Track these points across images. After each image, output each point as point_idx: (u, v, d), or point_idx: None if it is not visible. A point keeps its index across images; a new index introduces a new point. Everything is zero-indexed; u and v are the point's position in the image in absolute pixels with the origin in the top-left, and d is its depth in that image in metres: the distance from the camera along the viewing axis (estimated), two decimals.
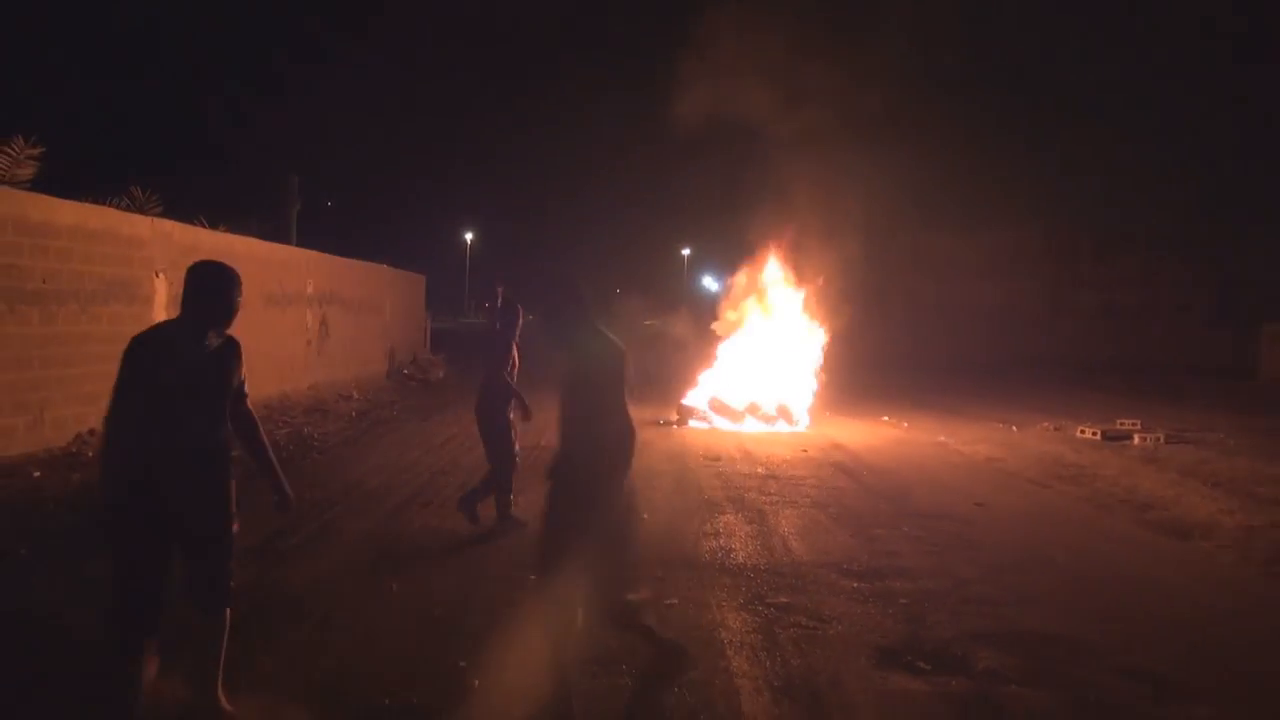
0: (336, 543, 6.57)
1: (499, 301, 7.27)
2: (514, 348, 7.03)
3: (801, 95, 16.40)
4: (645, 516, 7.37)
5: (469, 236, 80.00)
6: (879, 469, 10.46)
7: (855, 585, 5.81)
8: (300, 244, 38.13)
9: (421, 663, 4.37)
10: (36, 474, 8.11)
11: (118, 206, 11.73)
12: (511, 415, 7.05)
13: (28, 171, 10.26)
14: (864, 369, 27.36)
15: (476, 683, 4.14)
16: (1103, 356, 33.15)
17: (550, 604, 3.88)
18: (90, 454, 9.09)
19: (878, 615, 5.26)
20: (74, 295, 9.61)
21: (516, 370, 7.09)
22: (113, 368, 3.51)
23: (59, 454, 8.94)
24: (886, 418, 15.42)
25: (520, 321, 7.00)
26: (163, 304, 11.34)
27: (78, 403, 9.66)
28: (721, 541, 6.88)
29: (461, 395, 16.88)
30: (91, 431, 9.65)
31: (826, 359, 15.76)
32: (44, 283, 9.14)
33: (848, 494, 8.89)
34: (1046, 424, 15.18)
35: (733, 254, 20.04)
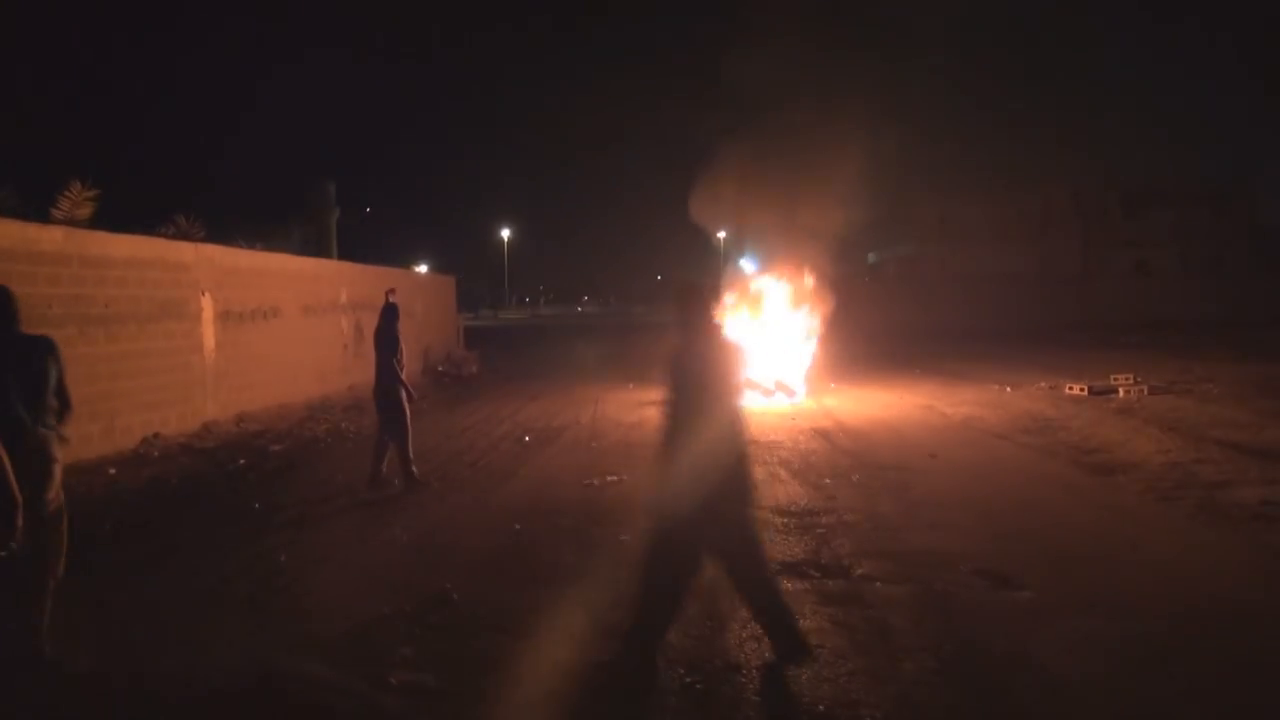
0: (358, 509, 7.97)
1: (386, 304, 9.02)
2: (399, 341, 8.75)
3: (826, 65, 17.57)
4: (624, 478, 8.71)
5: (506, 234, 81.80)
6: (855, 432, 11.63)
7: (784, 521, 7.05)
8: (341, 250, 39.91)
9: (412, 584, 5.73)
10: (112, 471, 9.68)
11: (165, 235, 13.33)
12: (403, 394, 8.70)
13: (86, 211, 11.89)
14: (887, 339, 28.33)
15: (455, 597, 5.46)
16: (1137, 316, 33.52)
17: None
18: (155, 454, 10.68)
19: (793, 542, 6.50)
20: (132, 317, 11.19)
21: (404, 359, 8.84)
22: (170, 379, 4.95)
23: (128, 455, 10.52)
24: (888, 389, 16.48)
25: (398, 321, 8.79)
26: (209, 320, 12.94)
27: (142, 410, 11.27)
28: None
29: (487, 389, 18.34)
30: (156, 435, 11.26)
31: (841, 333, 16.82)
32: (106, 307, 10.73)
33: (816, 454, 10.09)
34: (1043, 384, 16.13)
35: (765, 235, 21.28)
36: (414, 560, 6.31)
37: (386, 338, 8.80)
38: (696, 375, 4.46)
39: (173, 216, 14.47)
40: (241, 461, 10.27)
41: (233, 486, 9.03)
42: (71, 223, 11.56)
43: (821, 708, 3.91)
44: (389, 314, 8.86)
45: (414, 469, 8.72)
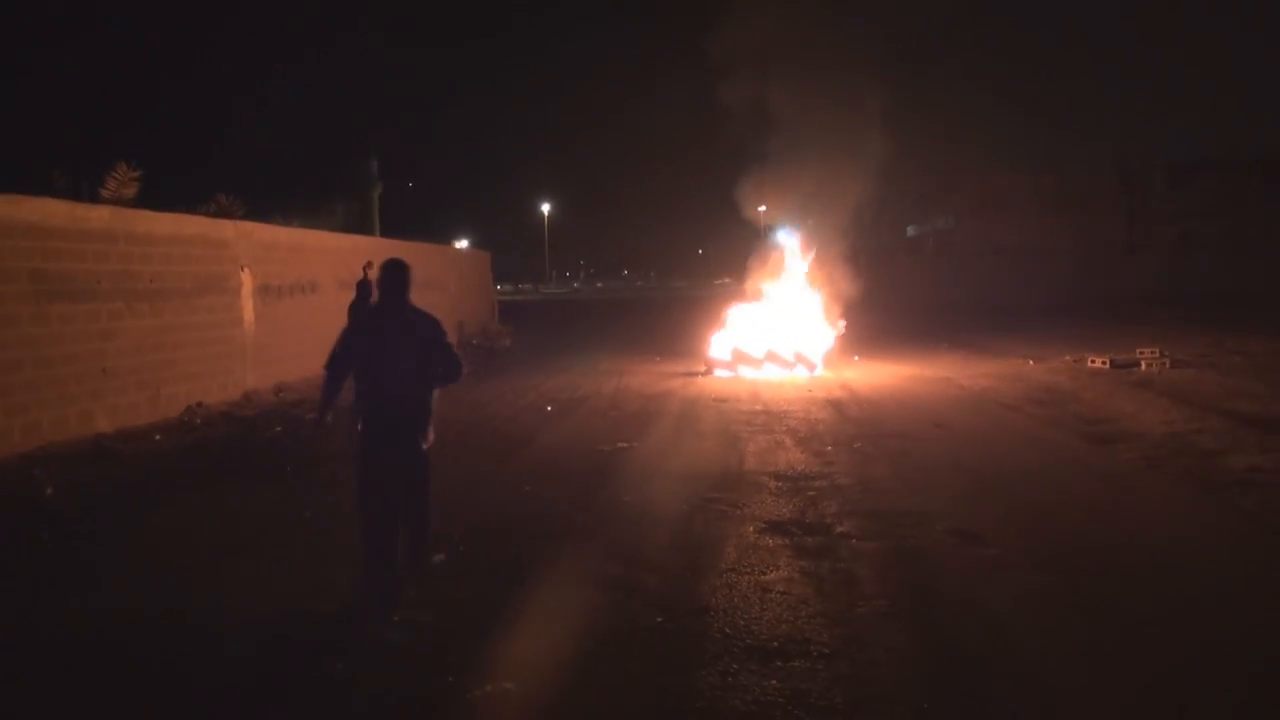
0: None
1: (362, 279, 9.32)
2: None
3: (868, 34, 17.80)
4: (635, 445, 9.16)
5: (546, 209, 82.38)
6: (867, 402, 11.96)
7: (778, 485, 7.46)
8: (383, 225, 40.66)
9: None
10: (158, 438, 10.37)
11: (206, 213, 13.98)
12: None
13: (131, 191, 12.57)
14: (921, 313, 28.39)
15: (462, 548, 5.96)
16: (1182, 290, 33.05)
17: None
18: (199, 422, 11.37)
19: (783, 503, 6.91)
20: (177, 291, 11.86)
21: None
22: (211, 351, 5.49)
23: (174, 422, 11.21)
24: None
25: (371, 298, 8.92)
26: (249, 294, 13.61)
27: (186, 380, 11.96)
28: (688, 460, 8.60)
29: (518, 362, 18.88)
30: (199, 404, 11.95)
31: (875, 306, 17.03)
32: (151, 283, 11.39)
33: (823, 423, 10.45)
34: (1068, 357, 16.24)
35: (804, 209, 21.62)
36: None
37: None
38: (390, 345, 4.95)
39: (214, 196, 15.10)
40: (278, 429, 10.88)
41: (269, 451, 9.65)
42: (118, 202, 12.24)
43: (775, 644, 4.33)
44: (363, 288, 9.28)
45: None
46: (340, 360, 5.06)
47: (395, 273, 5.02)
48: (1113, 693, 3.84)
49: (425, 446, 5.03)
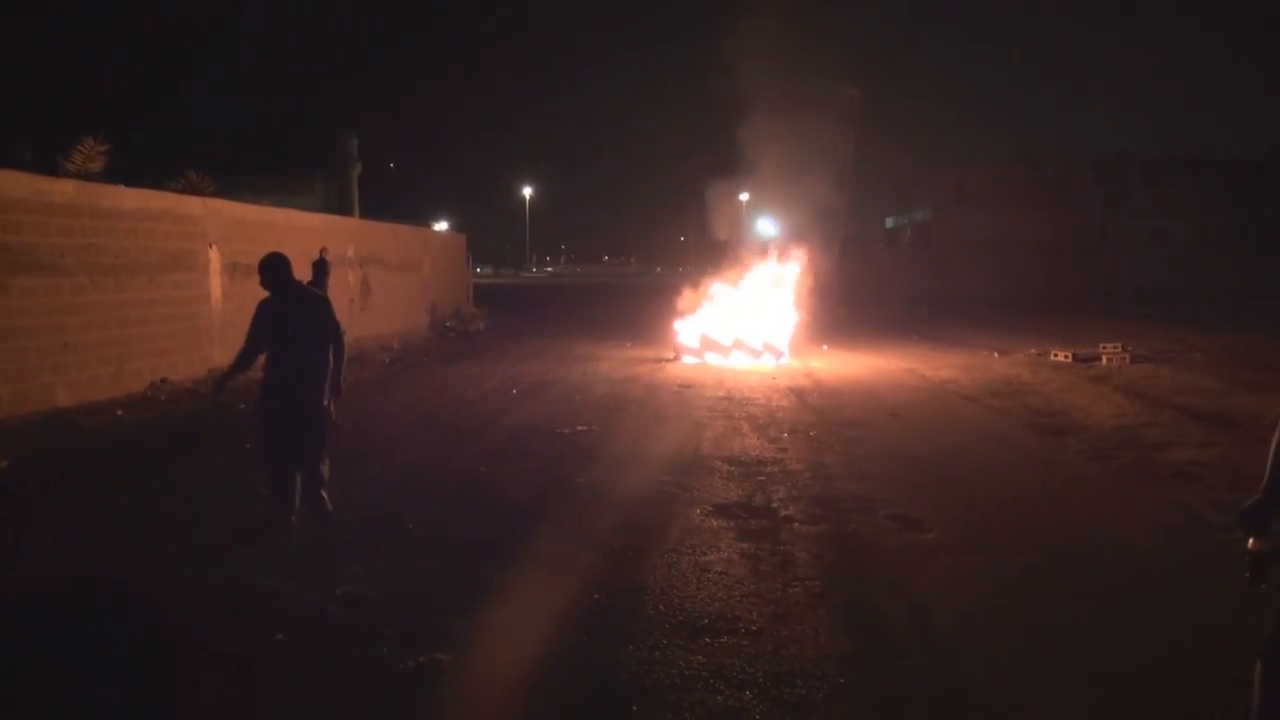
0: (339, 449, 8.59)
1: (317, 260, 10.04)
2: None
3: (846, 26, 17.96)
4: (594, 429, 9.27)
5: (528, 192, 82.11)
6: (830, 391, 12.13)
7: (730, 469, 7.60)
8: (363, 204, 40.43)
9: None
10: (119, 413, 10.37)
11: (176, 189, 13.94)
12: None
13: (98, 165, 12.52)
14: (896, 304, 28.62)
15: (411, 526, 6.06)
16: (1153, 286, 33.48)
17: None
18: (162, 398, 11.38)
19: (732, 487, 7.04)
20: (142, 267, 11.84)
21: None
22: (178, 327, 5.55)
23: (137, 397, 11.20)
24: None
25: (327, 279, 9.81)
26: (217, 271, 13.59)
27: (151, 356, 11.95)
28: (645, 444, 8.73)
29: (490, 345, 18.94)
30: (164, 379, 11.95)
31: (850, 297, 17.22)
32: (117, 258, 11.36)
33: (784, 410, 10.60)
34: (1033, 351, 16.48)
35: (784, 198, 21.79)
36: (381, 495, 6.92)
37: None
38: (285, 326, 5.82)
39: (184, 170, 15.05)
40: (242, 406, 10.91)
41: (231, 428, 9.69)
42: (85, 176, 12.18)
43: (705, 621, 4.47)
44: (319, 269, 9.74)
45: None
46: (254, 339, 6.00)
47: (275, 263, 5.87)
48: (1026, 670, 4.00)
49: (325, 403, 5.91)
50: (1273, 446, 2.86)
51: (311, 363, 5.84)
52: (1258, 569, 2.83)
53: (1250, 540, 2.85)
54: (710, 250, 18.30)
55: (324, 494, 6.01)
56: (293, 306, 5.87)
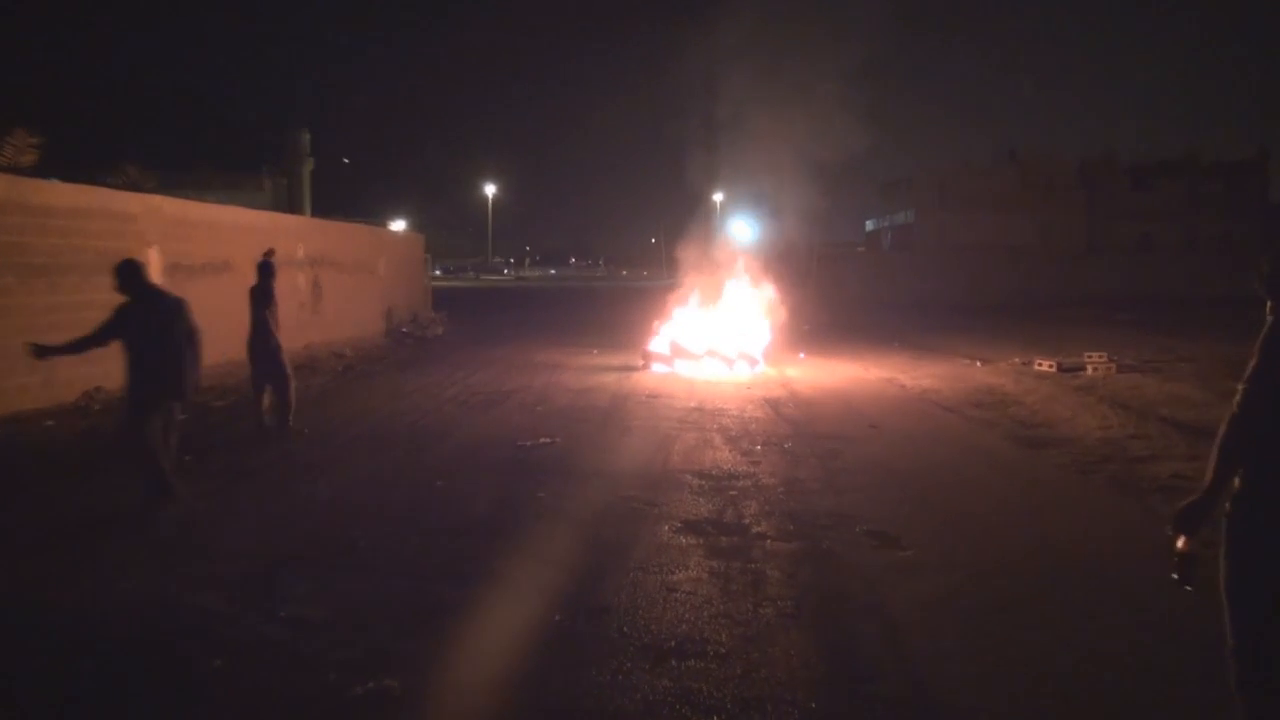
0: (287, 463, 8.51)
1: (262, 262, 10.27)
2: (274, 297, 10.09)
3: (826, 24, 18.12)
4: (557, 440, 9.25)
5: (491, 191, 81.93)
6: (805, 402, 12.19)
7: (701, 483, 7.60)
8: (315, 202, 40.00)
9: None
10: (49, 423, 10.20)
11: (115, 185, 13.76)
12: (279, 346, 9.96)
13: (29, 159, 12.32)
14: (876, 310, 28.88)
15: (362, 544, 6.01)
16: (1139, 292, 34.01)
17: None
18: (96, 407, 11.20)
19: (703, 502, 7.04)
20: (75, 268, 11.66)
21: (279, 315, 10.05)
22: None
23: (69, 407, 11.03)
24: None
25: (273, 279, 10.04)
26: (157, 272, 13.39)
27: (83, 364, 11.65)
28: (611, 457, 8.72)
29: (449, 352, 18.84)
30: (98, 388, 11.76)
31: (829, 303, 17.36)
32: (48, 258, 11.19)
33: (758, 422, 10.63)
34: (1016, 359, 16.67)
35: (761, 199, 21.91)
36: (330, 512, 6.85)
37: (261, 295, 10.00)
38: (145, 326, 6.56)
39: (123, 165, 14.86)
40: (182, 416, 10.77)
41: None
42: (15, 170, 11.99)
43: (671, 644, 4.46)
44: (264, 271, 10.06)
45: (291, 418, 9.83)
46: (104, 334, 6.70)
47: (129, 269, 6.72)
48: (1005, 694, 4.03)
49: (187, 389, 6.74)
50: (1214, 451, 2.94)
51: (172, 356, 6.59)
52: (1185, 570, 2.92)
53: (1180, 540, 2.93)
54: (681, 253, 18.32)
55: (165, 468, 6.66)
56: (150, 309, 6.63)
